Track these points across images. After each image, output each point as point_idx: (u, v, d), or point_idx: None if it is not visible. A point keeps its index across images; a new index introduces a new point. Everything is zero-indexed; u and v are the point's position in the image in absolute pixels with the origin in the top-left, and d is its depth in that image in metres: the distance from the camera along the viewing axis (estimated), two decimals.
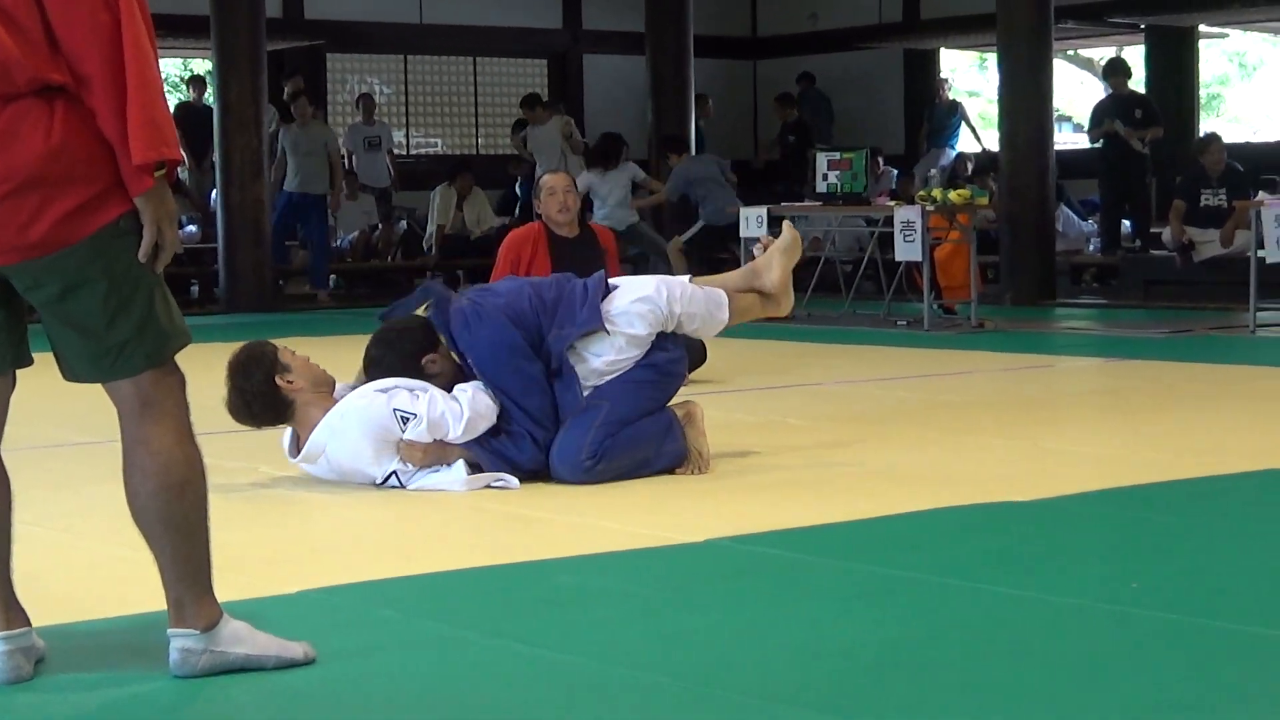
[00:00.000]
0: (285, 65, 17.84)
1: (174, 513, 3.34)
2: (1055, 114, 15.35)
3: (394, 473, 5.65)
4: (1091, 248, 16.19)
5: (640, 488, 5.69)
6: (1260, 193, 12.42)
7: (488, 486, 5.65)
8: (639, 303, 5.89)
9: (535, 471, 5.77)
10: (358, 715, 3.26)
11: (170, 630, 3.40)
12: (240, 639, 3.43)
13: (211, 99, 15.78)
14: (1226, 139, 14.71)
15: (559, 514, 5.28)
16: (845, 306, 13.50)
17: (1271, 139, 20.61)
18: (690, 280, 6.14)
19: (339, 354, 7.14)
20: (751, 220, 12.96)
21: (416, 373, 5.82)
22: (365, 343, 6.02)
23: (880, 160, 17.28)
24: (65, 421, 7.13)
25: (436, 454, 5.66)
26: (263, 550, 4.81)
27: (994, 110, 16.29)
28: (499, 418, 5.74)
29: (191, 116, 16.55)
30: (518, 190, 18.15)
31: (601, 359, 5.85)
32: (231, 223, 15.08)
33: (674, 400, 6.04)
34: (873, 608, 4.05)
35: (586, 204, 13.78)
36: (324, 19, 18.76)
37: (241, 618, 3.48)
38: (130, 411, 3.34)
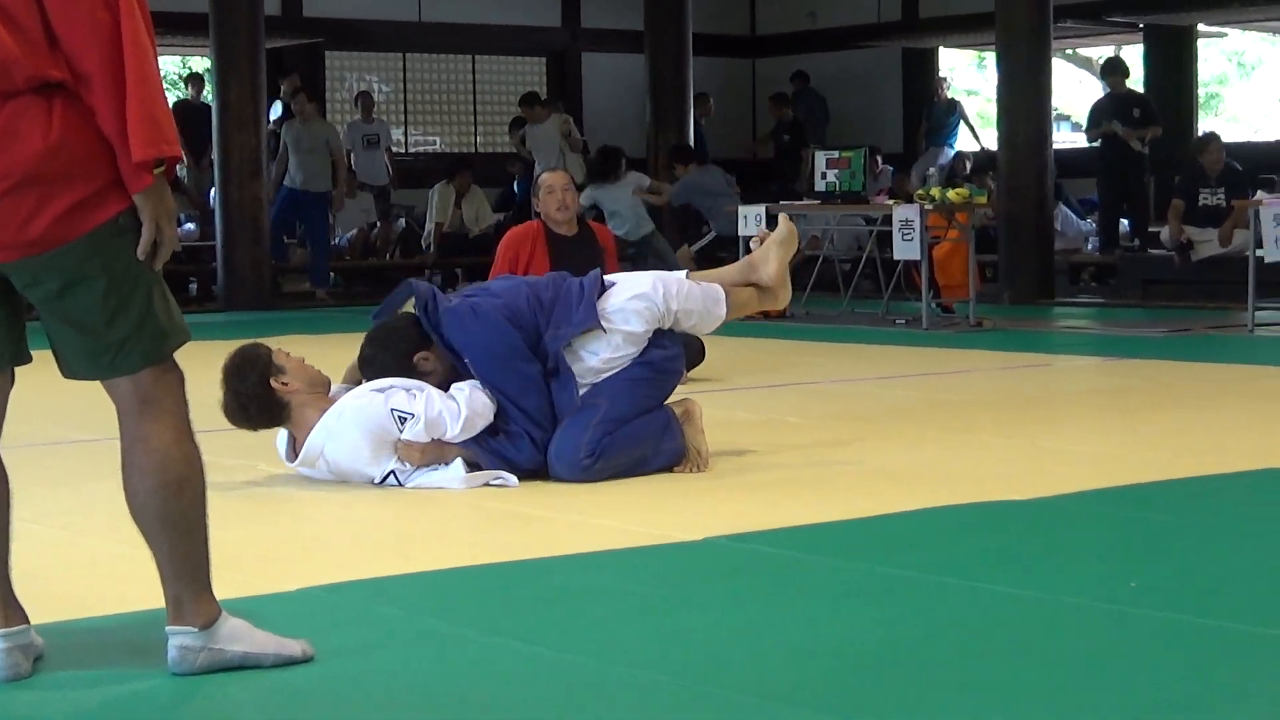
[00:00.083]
0: (284, 63, 17.84)
1: (172, 510, 3.34)
2: (1054, 113, 15.35)
3: (392, 472, 5.65)
4: (1090, 247, 16.20)
5: (638, 486, 5.69)
6: (1259, 192, 12.42)
7: (486, 484, 5.65)
8: (635, 300, 5.89)
9: (534, 470, 5.77)
10: (356, 713, 3.27)
11: (169, 628, 3.40)
12: (238, 637, 3.43)
13: (210, 97, 15.79)
14: (1225, 138, 14.71)
15: (558, 512, 5.28)
16: (844, 305, 13.50)
17: (1271, 138, 20.61)
18: (687, 276, 6.14)
19: (337, 352, 7.13)
20: (750, 218, 12.96)
21: (409, 371, 5.83)
22: (362, 340, 6.02)
23: (879, 159, 17.29)
24: (64, 419, 7.13)
25: (434, 453, 5.66)
26: (261, 548, 4.81)
27: (993, 109, 16.30)
28: (497, 417, 5.74)
29: (190, 114, 16.54)
30: (515, 189, 18.16)
31: (598, 357, 5.84)
32: (230, 221, 15.08)
33: (672, 398, 6.04)
34: (870, 606, 4.06)
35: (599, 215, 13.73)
36: (323, 17, 18.76)
37: (240, 615, 3.48)
38: (129, 409, 3.34)
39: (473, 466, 5.68)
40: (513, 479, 5.68)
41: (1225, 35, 20.86)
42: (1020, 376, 9.40)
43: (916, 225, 11.68)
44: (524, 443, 5.74)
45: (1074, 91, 25.24)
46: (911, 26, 19.96)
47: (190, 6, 15.33)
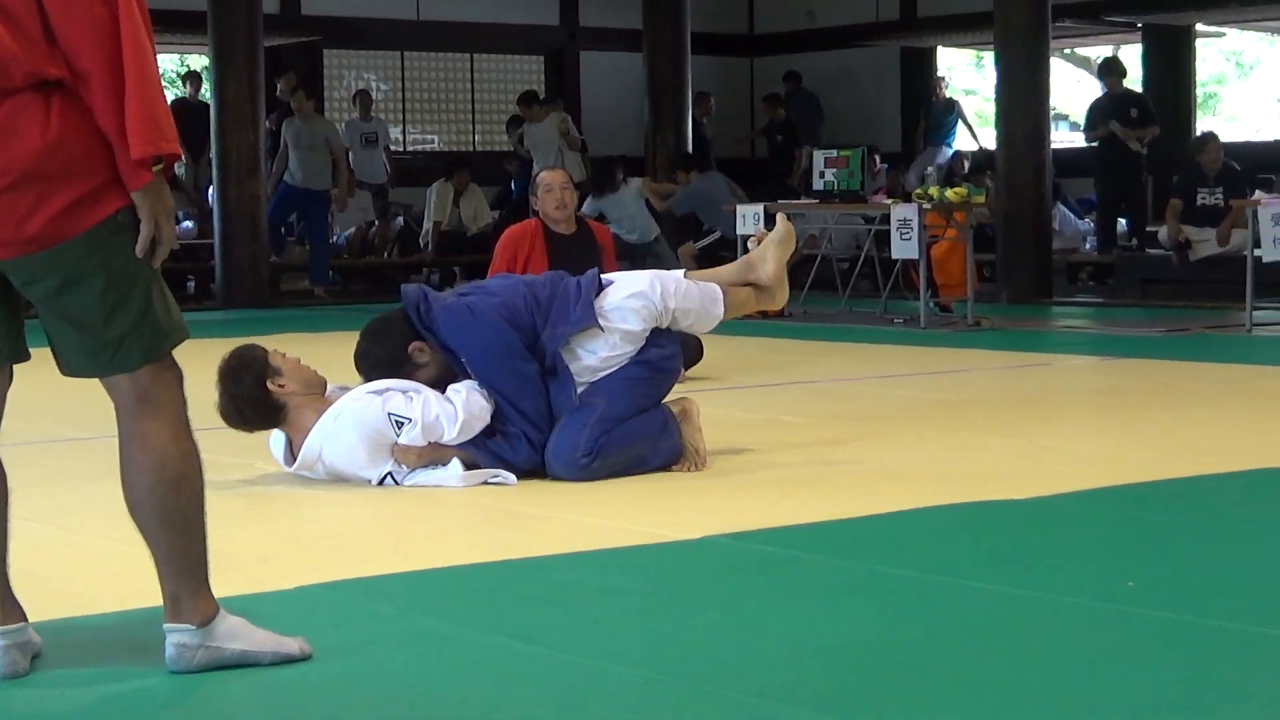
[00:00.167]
0: (282, 61, 17.83)
1: (170, 508, 3.34)
2: (1052, 112, 15.36)
3: (389, 474, 5.65)
4: (1088, 246, 16.20)
5: (636, 485, 5.69)
6: (1257, 191, 12.42)
7: (485, 483, 5.65)
8: (633, 298, 5.88)
9: (531, 469, 5.77)
10: (353, 711, 3.26)
11: (166, 625, 3.40)
12: (236, 635, 3.43)
13: (208, 95, 15.78)
14: (1223, 138, 14.72)
15: (555, 511, 5.28)
16: (841, 304, 13.50)
17: (1269, 138, 20.62)
18: (685, 275, 6.14)
19: (335, 350, 7.14)
20: (748, 217, 12.96)
21: (405, 363, 5.82)
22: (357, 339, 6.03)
23: (877, 158, 17.30)
24: (62, 417, 7.13)
25: (432, 456, 5.66)
26: (259, 546, 4.80)
27: (991, 108, 16.30)
28: (494, 418, 5.73)
29: (188, 113, 16.53)
30: (512, 187, 18.16)
31: (596, 356, 5.84)
32: (228, 219, 15.08)
33: (670, 397, 6.04)
34: (868, 605, 4.06)
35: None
36: (321, 15, 18.76)
37: (238, 613, 3.48)
38: (127, 406, 3.34)
39: (470, 466, 5.68)
40: (511, 477, 5.68)
41: (1223, 35, 20.86)
42: (1018, 376, 9.40)
43: (915, 224, 11.68)
44: (521, 444, 5.74)
45: (1072, 91, 25.25)
46: (910, 25, 19.96)
47: (188, 4, 15.33)
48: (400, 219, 17.87)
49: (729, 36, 21.27)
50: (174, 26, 16.06)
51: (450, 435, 5.63)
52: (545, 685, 3.41)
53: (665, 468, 5.89)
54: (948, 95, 19.53)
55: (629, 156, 16.42)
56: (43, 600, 3.76)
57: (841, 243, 14.96)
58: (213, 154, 15.31)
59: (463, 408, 5.64)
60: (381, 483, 5.65)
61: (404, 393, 5.68)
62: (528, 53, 20.44)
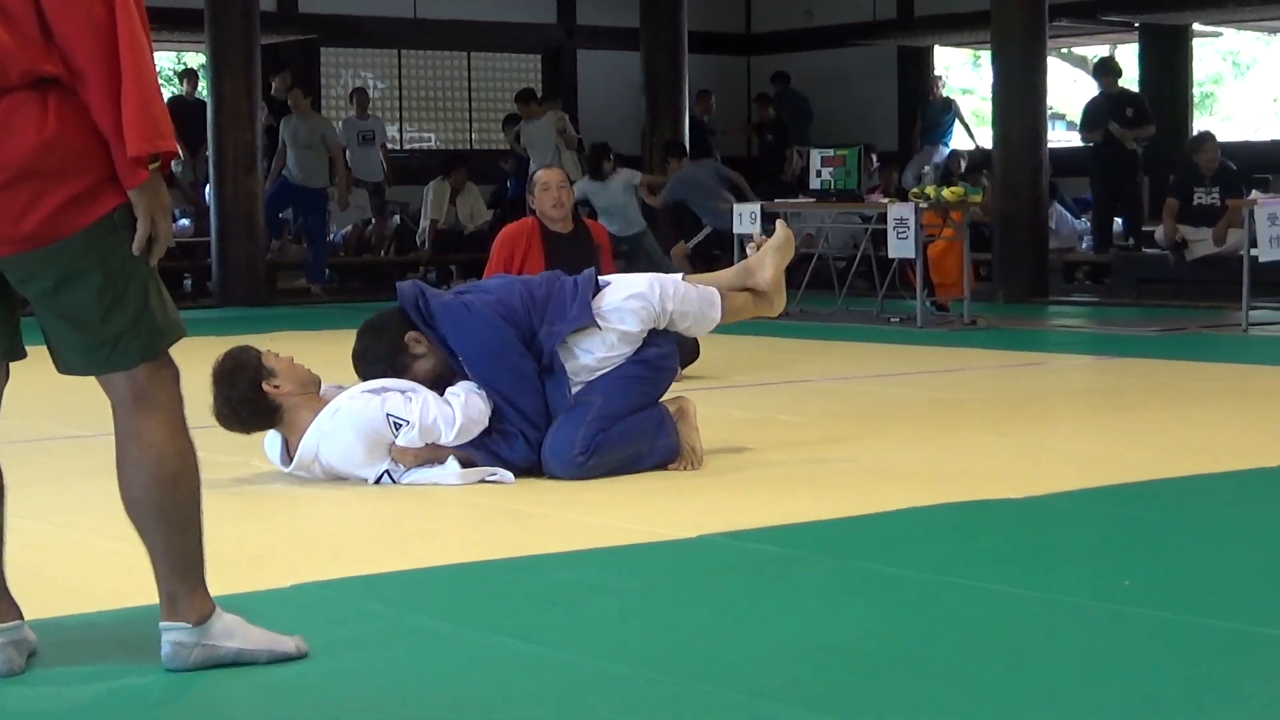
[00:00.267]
0: (279, 59, 17.83)
1: (166, 506, 3.34)
2: (1049, 112, 15.36)
3: (386, 472, 5.65)
4: (1084, 246, 16.21)
5: (633, 483, 5.69)
6: (1253, 191, 12.42)
7: (482, 481, 5.65)
8: (632, 299, 5.89)
9: (528, 467, 5.77)
10: (350, 709, 3.26)
11: (162, 624, 3.40)
12: (232, 633, 3.43)
13: (204, 93, 15.77)
14: (1220, 138, 14.72)
15: (551, 509, 5.28)
16: (838, 303, 13.50)
17: (1267, 138, 20.62)
18: (683, 278, 6.14)
19: (332, 348, 7.14)
20: (745, 216, 12.95)
21: (402, 354, 5.81)
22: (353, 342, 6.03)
23: (874, 157, 17.31)
24: (59, 415, 7.12)
25: (428, 456, 5.67)
26: (255, 544, 4.80)
27: (988, 108, 16.30)
28: (491, 417, 5.73)
29: (184, 110, 16.53)
30: (508, 186, 18.15)
31: (593, 355, 5.84)
32: (225, 216, 15.08)
33: (666, 396, 6.04)
34: (865, 604, 4.06)
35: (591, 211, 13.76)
36: (318, 13, 18.75)
37: (234, 612, 3.48)
38: (124, 404, 3.34)
39: (467, 465, 5.68)
40: (508, 476, 5.68)
41: (1220, 35, 20.86)
42: (1015, 375, 9.40)
43: (911, 224, 11.68)
44: (519, 443, 5.74)
45: (1069, 90, 25.26)
46: (907, 25, 19.97)
47: (185, 2, 15.33)
48: (397, 217, 17.87)
49: (726, 35, 21.27)
50: (171, 24, 16.06)
51: (447, 439, 5.63)
52: (542, 683, 3.41)
53: (661, 466, 5.89)
54: (944, 94, 19.54)
55: (626, 155, 16.44)
56: (39, 598, 3.76)
57: (838, 242, 14.96)
58: (209, 152, 15.31)
59: (461, 412, 5.63)
60: (378, 481, 5.65)
61: (403, 393, 5.68)
62: (525, 51, 20.44)
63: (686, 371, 8.17)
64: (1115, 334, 11.55)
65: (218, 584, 3.51)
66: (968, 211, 12.27)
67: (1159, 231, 14.28)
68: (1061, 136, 22.21)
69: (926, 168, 17.92)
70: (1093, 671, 3.40)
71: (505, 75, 20.31)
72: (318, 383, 5.79)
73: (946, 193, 12.10)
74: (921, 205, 11.85)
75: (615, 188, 14.29)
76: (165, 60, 22.21)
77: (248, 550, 4.67)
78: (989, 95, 15.37)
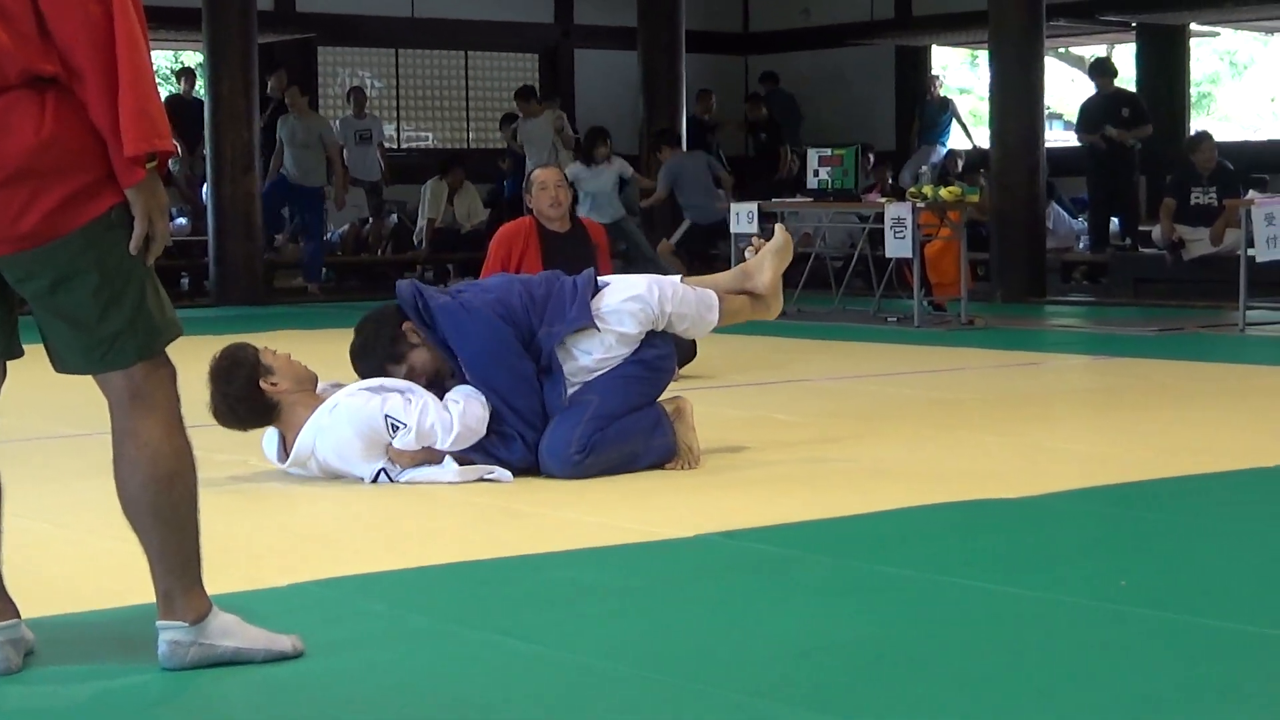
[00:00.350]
0: (276, 58, 17.82)
1: (163, 505, 3.34)
2: (1046, 111, 15.37)
3: (383, 469, 5.65)
4: (1082, 245, 16.21)
5: (630, 483, 5.69)
6: (1250, 191, 12.42)
7: (481, 479, 5.65)
8: (630, 301, 5.89)
9: (525, 466, 5.77)
10: (346, 708, 3.26)
11: (159, 622, 3.40)
12: (229, 632, 3.43)
13: (201, 92, 15.76)
14: (1218, 137, 14.72)
15: (548, 508, 5.28)
16: (835, 303, 13.50)
17: (1264, 138, 20.62)
18: (682, 280, 6.14)
19: (329, 347, 7.14)
20: (742, 216, 12.95)
21: (400, 341, 5.81)
22: (351, 339, 6.02)
23: (871, 156, 17.32)
24: (56, 414, 7.12)
25: (424, 458, 5.67)
26: (252, 543, 4.80)
27: (985, 107, 16.31)
28: (490, 418, 5.73)
29: (181, 109, 16.53)
30: (504, 185, 18.15)
31: (591, 356, 5.84)
32: (222, 215, 15.07)
33: (664, 396, 6.05)
34: (862, 604, 4.06)
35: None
36: (315, 12, 18.74)
37: (231, 610, 3.48)
38: (120, 403, 3.34)
39: (465, 464, 5.69)
40: (507, 474, 5.68)
41: (1217, 34, 20.85)
42: (1012, 375, 9.40)
43: (908, 223, 11.68)
44: (516, 444, 5.74)
45: (1066, 90, 25.25)
46: (904, 24, 19.97)
47: (183, 1, 15.31)
48: (394, 216, 17.86)
49: (723, 35, 21.27)
50: (168, 23, 16.04)
51: (443, 444, 5.63)
52: (538, 682, 3.41)
53: (658, 465, 5.89)
54: (942, 94, 19.54)
55: (624, 155, 16.44)
56: (36, 597, 3.76)
57: (835, 241, 14.96)
58: (207, 151, 15.30)
59: (459, 419, 5.63)
60: (375, 479, 5.65)
61: (403, 395, 5.67)
62: (522, 50, 20.43)
63: (684, 371, 8.17)
64: (1112, 334, 11.56)
65: (215, 583, 3.51)
66: (965, 211, 12.27)
67: (1156, 231, 14.28)
68: (1059, 136, 22.20)
69: (924, 167, 17.90)
70: (1090, 671, 3.40)
71: (503, 74, 20.31)
72: (315, 380, 5.79)
73: (944, 192, 12.10)
74: (919, 205, 11.85)
75: (606, 175, 14.58)
76: (163, 59, 22.20)
77: (245, 549, 4.67)
78: (986, 95, 15.37)
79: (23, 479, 5.70)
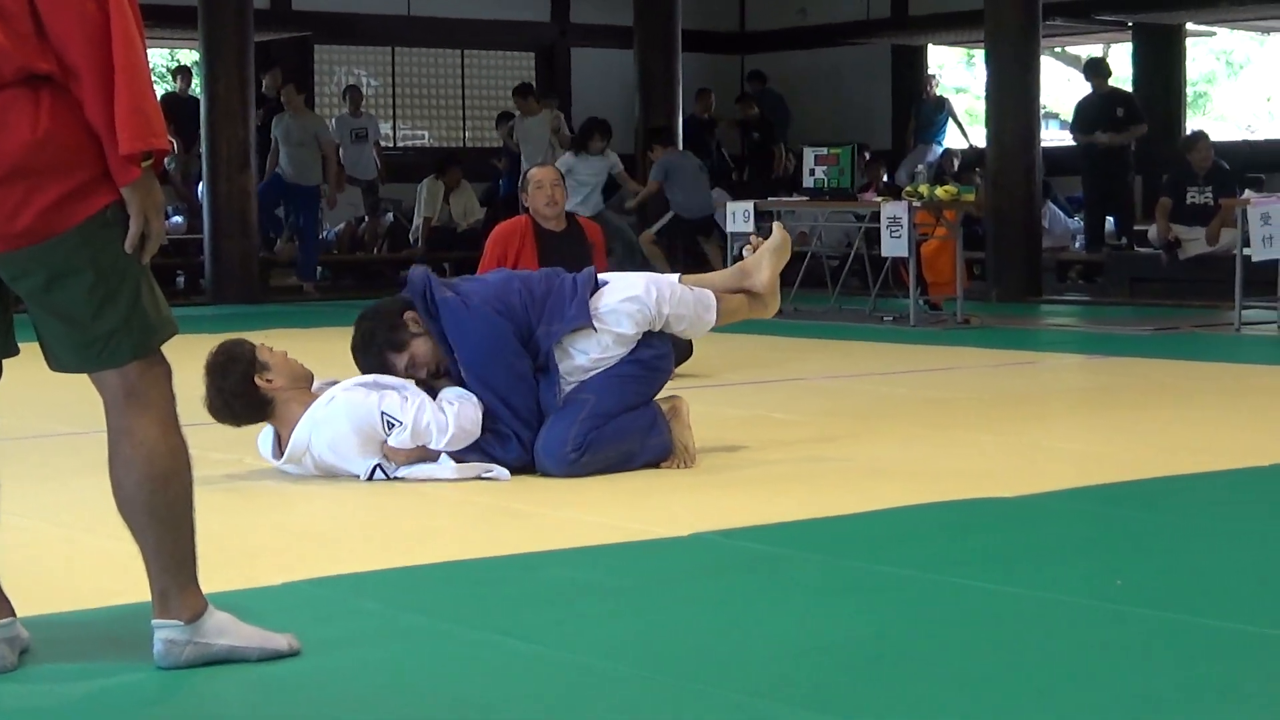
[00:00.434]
0: (272, 56, 17.82)
1: (158, 503, 3.33)
2: (1042, 111, 15.38)
3: (378, 465, 5.65)
4: (1077, 245, 16.22)
5: (625, 482, 5.69)
6: (1246, 191, 12.43)
7: (478, 477, 5.65)
8: (628, 302, 5.88)
9: (520, 465, 5.77)
10: (341, 707, 3.26)
11: (154, 621, 3.40)
12: (224, 630, 3.43)
13: (198, 90, 15.76)
14: (1213, 137, 14.73)
15: (544, 507, 5.28)
16: (831, 302, 13.50)
17: (1262, 138, 20.62)
18: (680, 279, 6.14)
19: (324, 346, 7.14)
20: (738, 215, 12.95)
21: (401, 330, 5.80)
22: (350, 335, 6.01)
23: (867, 155, 17.32)
24: (51, 412, 7.11)
25: (419, 456, 5.67)
26: (247, 542, 4.80)
27: (981, 107, 16.32)
28: (486, 416, 5.72)
29: (177, 107, 16.52)
30: (500, 184, 18.15)
31: (588, 356, 5.84)
32: (218, 214, 15.07)
33: (660, 395, 6.04)
34: (858, 603, 4.06)
35: None
36: (312, 10, 18.73)
37: (226, 609, 3.48)
38: (115, 402, 3.33)
39: (460, 461, 5.68)
40: (504, 472, 5.68)
41: (1214, 34, 20.86)
42: (1007, 374, 9.41)
43: (905, 222, 11.68)
44: (512, 443, 5.74)
45: (1063, 89, 25.26)
46: (901, 23, 19.97)
47: None
48: (390, 215, 17.85)
49: (720, 34, 21.27)
50: (164, 21, 16.04)
51: (437, 445, 5.63)
52: (534, 681, 3.41)
53: (654, 464, 5.89)
54: (938, 93, 19.55)
55: (621, 154, 16.45)
56: (31, 595, 3.75)
57: (831, 240, 14.96)
58: (203, 149, 15.29)
59: (454, 421, 5.62)
60: (371, 476, 5.65)
61: (400, 393, 5.67)
62: (519, 49, 20.43)
63: (680, 370, 8.15)
64: (1108, 333, 11.56)
65: (210, 581, 3.50)
66: (961, 210, 12.28)
67: (1152, 231, 14.29)
68: (1055, 135, 22.21)
69: (920, 166, 17.90)
70: (1087, 670, 3.40)
71: (499, 73, 20.31)
72: (310, 378, 5.79)
73: (940, 191, 12.10)
74: (915, 204, 11.85)
75: (597, 165, 14.91)
76: (159, 57, 22.19)
77: (240, 547, 4.66)
78: (983, 94, 15.37)
79: (18, 477, 5.70)
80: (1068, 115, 17.29)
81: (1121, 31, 18.90)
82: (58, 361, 3.37)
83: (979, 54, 19.15)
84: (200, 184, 15.90)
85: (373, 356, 5.85)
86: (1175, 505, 5.33)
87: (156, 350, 3.36)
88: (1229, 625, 3.76)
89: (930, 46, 20.66)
